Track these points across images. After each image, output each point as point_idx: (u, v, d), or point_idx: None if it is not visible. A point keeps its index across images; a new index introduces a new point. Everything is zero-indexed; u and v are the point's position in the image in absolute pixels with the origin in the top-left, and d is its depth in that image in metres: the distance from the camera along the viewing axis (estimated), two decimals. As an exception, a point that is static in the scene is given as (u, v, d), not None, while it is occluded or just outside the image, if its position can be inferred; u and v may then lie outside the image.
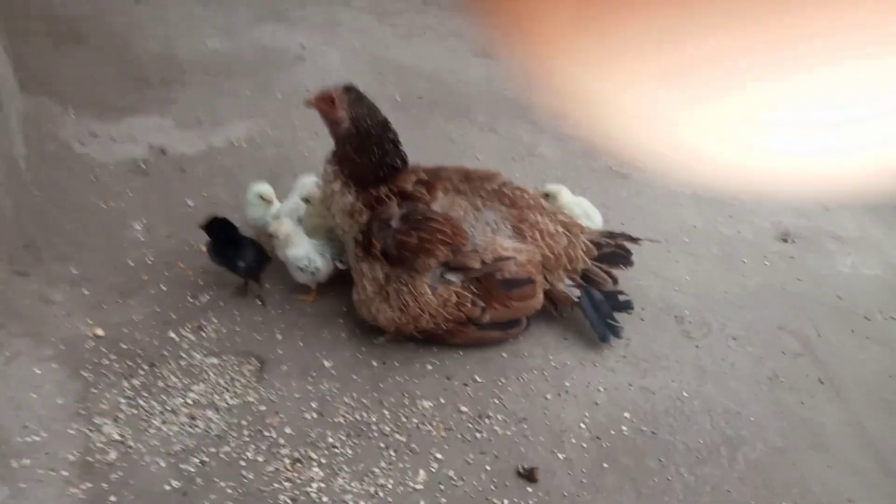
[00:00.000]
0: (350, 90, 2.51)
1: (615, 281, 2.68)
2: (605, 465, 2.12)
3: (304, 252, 2.57)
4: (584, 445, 2.19)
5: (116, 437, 2.08)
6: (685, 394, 2.41)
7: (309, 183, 2.88)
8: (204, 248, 2.77)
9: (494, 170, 2.78)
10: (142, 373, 2.30)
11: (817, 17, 0.53)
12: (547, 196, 2.96)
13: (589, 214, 3.03)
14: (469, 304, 2.45)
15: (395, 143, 2.57)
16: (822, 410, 2.39)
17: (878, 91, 0.58)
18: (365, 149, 2.50)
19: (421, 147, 3.85)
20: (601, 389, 2.40)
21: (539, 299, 2.56)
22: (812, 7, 0.52)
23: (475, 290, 2.46)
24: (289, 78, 4.58)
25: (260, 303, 2.63)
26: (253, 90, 4.35)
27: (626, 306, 2.68)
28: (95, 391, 2.22)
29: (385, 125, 2.53)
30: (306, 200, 2.74)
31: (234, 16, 5.53)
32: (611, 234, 2.85)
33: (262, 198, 2.76)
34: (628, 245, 2.80)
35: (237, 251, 2.54)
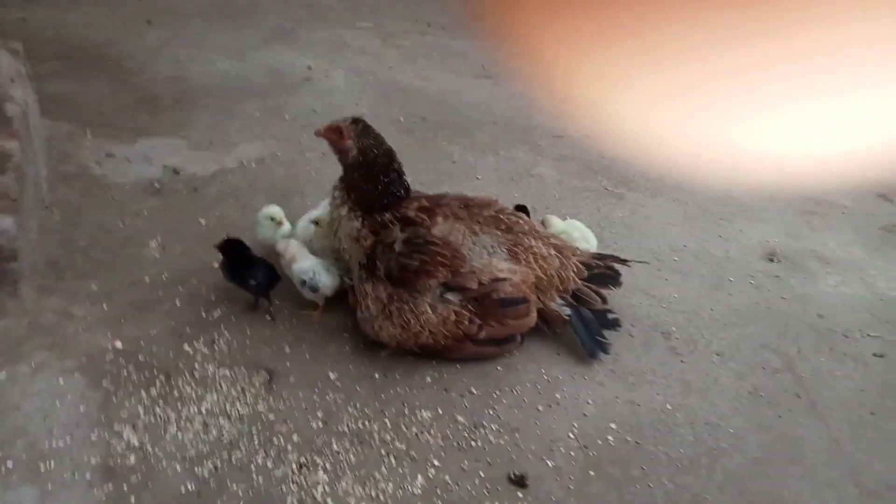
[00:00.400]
0: (357, 122, 2.67)
1: (604, 300, 2.83)
2: (592, 473, 2.26)
3: (308, 265, 2.72)
4: (573, 454, 2.32)
5: (135, 442, 2.23)
6: (669, 406, 2.54)
7: (324, 206, 3.04)
8: (217, 266, 2.94)
9: (492, 197, 2.94)
10: (158, 383, 2.45)
11: (829, 37, 0.50)
12: (543, 223, 3.15)
13: (585, 237, 3.21)
14: (466, 322, 2.60)
15: (400, 172, 2.73)
16: (800, 425, 2.52)
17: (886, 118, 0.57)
18: (371, 177, 2.67)
19: (423, 168, 4.02)
20: (590, 402, 2.54)
21: (533, 318, 2.70)
22: (824, 27, 0.50)
23: (472, 309, 2.61)
24: (296, 100, 4.77)
25: (270, 318, 2.79)
26: (262, 112, 4.53)
27: (614, 324, 2.83)
28: (115, 400, 2.37)
29: (390, 155, 2.70)
30: (316, 223, 2.91)
31: (242, 38, 5.73)
32: (601, 256, 3.01)
33: (272, 219, 2.92)
34: (617, 266, 2.96)
35: (249, 270, 2.70)
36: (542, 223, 3.16)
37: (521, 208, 3.16)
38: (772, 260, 3.53)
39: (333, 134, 2.67)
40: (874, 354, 2.89)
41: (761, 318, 3.07)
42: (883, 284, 3.39)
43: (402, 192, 2.74)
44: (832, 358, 2.86)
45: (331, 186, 2.83)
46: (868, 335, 3.01)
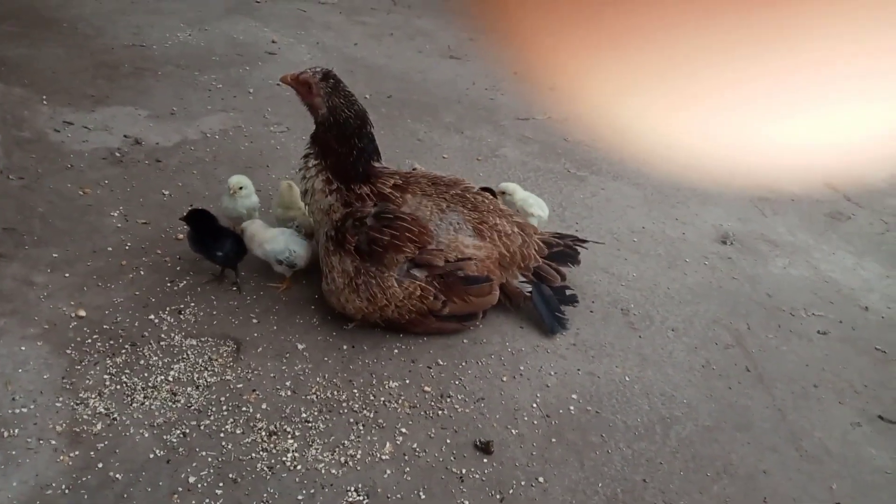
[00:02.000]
0: (328, 77, 2.60)
1: (563, 278, 2.92)
2: (553, 440, 2.35)
3: (283, 245, 2.72)
4: (535, 422, 2.41)
5: (101, 410, 2.21)
6: (627, 378, 2.65)
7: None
8: (182, 237, 2.92)
9: (459, 177, 2.98)
10: (124, 352, 2.43)
11: (817, 50, 0.51)
12: (503, 194, 3.21)
13: (539, 205, 3.30)
14: (431, 298, 2.65)
15: (371, 137, 2.70)
16: (748, 395, 2.67)
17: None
18: (345, 139, 2.63)
19: (390, 145, 4.03)
20: (552, 373, 2.63)
21: (495, 296, 2.77)
22: (811, 39, 0.50)
23: (437, 286, 2.66)
24: (259, 72, 4.70)
25: (236, 289, 2.79)
26: (225, 84, 4.46)
27: (572, 300, 2.93)
28: (80, 368, 2.34)
29: (363, 117, 2.64)
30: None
31: (203, 7, 5.60)
32: (561, 236, 3.09)
33: (241, 188, 2.90)
34: (577, 245, 3.05)
35: (215, 241, 2.69)
36: (502, 192, 3.22)
37: (487, 190, 3.22)
38: (725, 242, 3.68)
39: (301, 87, 2.61)
40: (818, 332, 3.06)
41: (714, 296, 3.21)
42: (826, 267, 3.58)
43: (376, 157, 2.73)
44: (779, 334, 3.02)
45: (295, 160, 2.80)
46: (813, 314, 3.18)
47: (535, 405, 2.48)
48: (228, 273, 2.82)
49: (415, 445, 2.26)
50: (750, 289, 3.31)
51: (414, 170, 3.22)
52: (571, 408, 2.49)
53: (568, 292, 2.95)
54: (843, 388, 2.77)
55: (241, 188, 2.90)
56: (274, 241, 2.73)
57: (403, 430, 2.32)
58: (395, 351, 2.64)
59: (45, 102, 3.80)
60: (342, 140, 2.63)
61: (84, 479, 1.99)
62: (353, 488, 2.09)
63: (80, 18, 4.94)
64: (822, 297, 3.32)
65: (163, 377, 2.36)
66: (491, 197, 3.01)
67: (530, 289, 2.87)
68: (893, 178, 4.69)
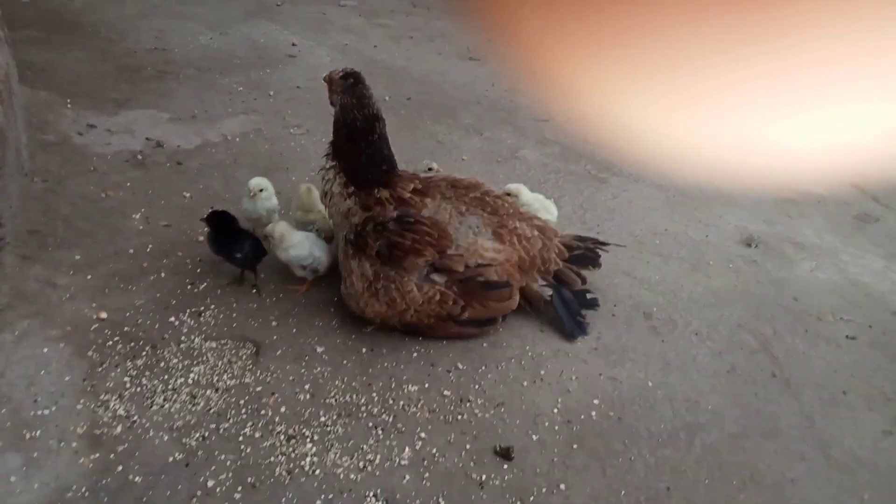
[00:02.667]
0: (349, 76, 2.59)
1: (584, 281, 2.88)
2: (575, 447, 2.31)
3: (307, 251, 2.72)
4: (556, 428, 2.37)
5: (122, 412, 2.22)
6: (650, 384, 2.61)
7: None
8: (202, 239, 2.93)
9: (479, 180, 2.95)
10: (144, 354, 2.44)
11: (824, 49, 0.50)
12: (509, 195, 3.18)
13: (546, 208, 3.25)
14: (450, 303, 2.63)
15: (379, 145, 2.66)
16: (774, 401, 2.60)
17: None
18: (353, 140, 2.63)
19: (409, 147, 4.02)
20: (573, 378, 2.59)
21: (515, 301, 2.74)
22: (818, 37, 0.50)
23: (457, 290, 2.63)
24: (280, 75, 4.73)
25: (255, 291, 2.79)
26: (246, 86, 4.48)
27: (593, 303, 2.89)
28: (101, 370, 2.35)
29: (370, 121, 2.61)
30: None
31: (224, 11, 5.65)
32: (582, 238, 3.05)
33: (261, 190, 2.90)
34: (598, 248, 3.01)
35: (236, 243, 2.69)
36: (507, 193, 3.18)
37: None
38: (749, 245, 3.61)
39: (328, 83, 2.64)
40: (847, 337, 2.99)
41: (739, 299, 3.15)
42: (855, 270, 3.50)
43: (385, 166, 2.71)
44: (806, 339, 2.95)
45: (315, 163, 2.80)
46: (841, 318, 3.10)
47: (556, 410, 2.44)
48: (248, 275, 2.82)
49: (434, 450, 2.24)
50: (775, 292, 3.24)
51: (430, 169, 3.20)
52: (593, 413, 2.45)
53: (589, 296, 2.91)
54: (873, 395, 2.69)
55: (261, 190, 2.90)
56: (299, 247, 2.72)
57: (423, 434, 2.29)
58: (415, 354, 2.62)
59: (68, 106, 3.84)
60: (350, 142, 2.63)
61: (104, 481, 2.00)
62: (371, 493, 2.07)
63: (104, 23, 5.00)
64: (850, 301, 3.24)
65: (182, 380, 2.37)
66: (511, 200, 2.98)
67: (550, 292, 2.83)
68: (924, 180, 4.57)
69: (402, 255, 2.60)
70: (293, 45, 5.22)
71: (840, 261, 3.57)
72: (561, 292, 2.84)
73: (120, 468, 2.05)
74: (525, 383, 2.54)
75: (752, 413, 2.54)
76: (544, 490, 2.15)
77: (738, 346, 2.86)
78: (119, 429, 2.16)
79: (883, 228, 3.93)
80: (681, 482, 2.23)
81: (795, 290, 3.28)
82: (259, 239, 2.78)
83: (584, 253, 2.98)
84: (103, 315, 2.56)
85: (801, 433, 2.48)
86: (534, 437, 2.33)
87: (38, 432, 2.11)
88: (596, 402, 2.50)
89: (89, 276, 2.72)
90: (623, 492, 2.17)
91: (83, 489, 1.97)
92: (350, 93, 2.59)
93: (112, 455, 2.08)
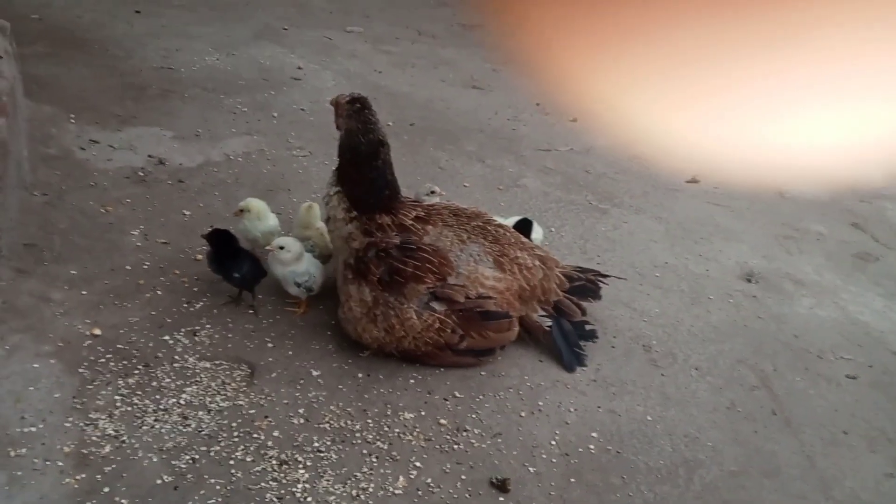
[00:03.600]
0: (355, 101, 2.61)
1: (583, 312, 2.86)
2: (573, 480, 2.26)
3: (304, 268, 2.71)
4: (554, 461, 2.33)
5: (111, 431, 2.17)
6: (649, 418, 2.57)
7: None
8: (201, 257, 2.90)
9: (481, 209, 2.96)
10: (137, 372, 2.39)
11: (834, 52, 0.51)
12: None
13: (534, 228, 3.24)
14: (449, 331, 2.60)
15: (383, 170, 2.65)
16: (774, 440, 2.57)
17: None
18: (357, 164, 2.63)
19: (411, 172, 4.02)
20: (572, 410, 2.55)
21: (514, 332, 2.72)
22: (828, 42, 0.50)
23: (456, 319, 2.61)
24: (284, 97, 4.74)
25: (252, 312, 2.75)
26: (250, 107, 4.49)
27: (592, 335, 2.87)
28: (91, 388, 2.30)
29: (375, 146, 2.60)
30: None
31: (231, 33, 5.69)
32: (582, 270, 3.04)
33: (241, 210, 2.92)
34: (598, 280, 2.99)
35: (235, 262, 2.66)
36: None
37: (525, 222, 3.18)
38: (749, 280, 3.60)
39: (334, 107, 2.66)
40: (847, 376, 2.96)
41: (739, 335, 3.12)
42: (855, 308, 3.49)
43: (388, 192, 2.70)
44: (806, 377, 2.92)
45: (317, 185, 2.80)
46: (841, 357, 3.08)
47: (553, 442, 2.40)
48: (245, 295, 2.79)
49: (429, 480, 2.19)
50: (776, 329, 3.22)
51: (432, 192, 3.19)
52: (591, 447, 2.41)
53: (588, 327, 2.89)
54: (874, 436, 2.66)
55: (241, 210, 2.90)
56: (298, 263, 2.71)
57: (418, 463, 2.24)
58: (412, 381, 2.58)
59: (72, 121, 3.83)
60: (354, 166, 2.63)
61: (89, 503, 1.94)
62: (364, 523, 2.02)
63: (111, 40, 5.02)
64: (850, 340, 3.22)
65: (175, 400, 2.32)
66: (512, 230, 2.97)
67: (550, 323, 2.81)
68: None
69: (404, 282, 2.58)
70: (298, 68, 5.25)
71: (840, 299, 3.56)
72: (560, 323, 2.82)
73: (106, 489, 1.99)
74: (523, 414, 2.50)
75: (752, 451, 2.50)
76: (540, 524, 2.10)
77: (738, 382, 2.83)
78: (107, 448, 2.11)
79: (883, 268, 3.93)
80: (680, 520, 2.18)
81: (796, 326, 3.26)
82: (258, 259, 2.75)
83: (585, 284, 2.96)
84: (97, 332, 2.52)
85: (802, 473, 2.44)
86: (531, 470, 2.28)
87: (24, 450, 2.05)
88: (594, 435, 2.46)
89: (84, 292, 2.69)
90: (621, 528, 2.12)
91: (67, 510, 1.91)
92: (356, 118, 2.60)
93: (99, 476, 2.03)
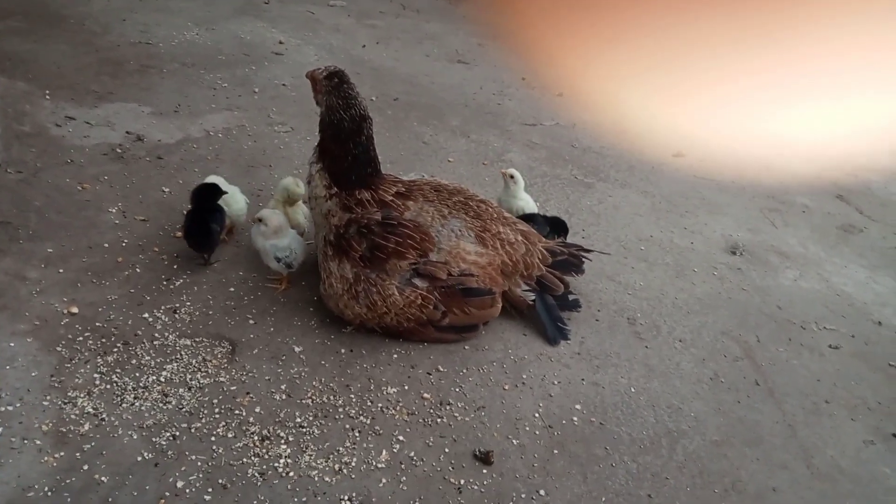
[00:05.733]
0: (333, 76, 2.56)
1: (566, 286, 2.85)
2: (556, 452, 2.27)
3: (286, 243, 2.67)
4: (537, 433, 2.33)
5: (90, 409, 2.14)
6: (633, 389, 2.57)
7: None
8: (181, 234, 2.87)
9: (463, 186, 2.93)
10: (116, 350, 2.37)
11: (816, 44, 0.53)
12: (512, 178, 3.25)
13: (526, 200, 3.30)
14: (431, 308, 2.58)
15: (366, 146, 2.62)
16: (757, 409, 2.58)
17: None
18: (340, 140, 2.59)
19: (395, 147, 3.98)
20: (556, 382, 2.55)
21: (497, 309, 2.70)
22: (816, 35, 0.53)
23: (438, 296, 2.59)
24: (266, 72, 4.67)
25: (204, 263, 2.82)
26: (231, 83, 4.42)
27: (575, 304, 2.86)
28: (70, 366, 2.28)
29: (358, 121, 2.56)
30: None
31: (212, 7, 5.58)
32: (566, 244, 3.02)
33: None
34: (581, 255, 2.98)
35: (213, 215, 2.74)
36: (511, 175, 3.26)
37: (558, 221, 3.21)
38: (734, 253, 3.60)
39: (311, 83, 2.62)
40: (830, 346, 2.97)
41: (723, 307, 3.13)
42: (838, 280, 3.50)
43: (369, 169, 2.66)
44: (790, 348, 2.93)
45: (299, 161, 2.76)
46: (824, 328, 3.09)
47: (537, 415, 2.40)
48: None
49: (412, 454, 2.19)
50: (760, 301, 3.23)
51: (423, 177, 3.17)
52: (575, 418, 2.41)
53: (570, 297, 2.88)
54: (855, 405, 2.68)
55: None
56: (280, 237, 2.67)
57: (401, 437, 2.24)
58: (395, 356, 2.57)
59: (47, 97, 3.76)
60: (336, 142, 2.59)
61: (68, 480, 1.92)
62: (346, 497, 2.01)
63: (88, 15, 4.92)
64: (833, 311, 3.24)
65: (154, 377, 2.30)
66: (495, 205, 2.94)
67: (533, 297, 2.80)
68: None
69: (385, 258, 2.55)
70: (280, 42, 5.16)
71: (824, 270, 3.57)
72: (543, 297, 2.81)
73: (86, 467, 1.98)
74: (506, 387, 2.50)
75: (735, 421, 2.51)
76: (524, 495, 2.10)
77: (721, 354, 2.83)
78: (86, 427, 2.09)
79: (866, 239, 3.94)
80: (662, 489, 2.19)
81: (779, 298, 3.27)
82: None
83: (568, 259, 2.94)
84: (74, 310, 2.48)
85: (784, 442, 2.46)
86: (514, 442, 2.28)
87: (1, 429, 2.03)
88: (578, 407, 2.46)
89: (61, 270, 2.64)
90: (603, 498, 2.13)
91: (46, 488, 1.89)
92: (336, 93, 2.55)
93: (78, 454, 2.01)
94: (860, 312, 3.26)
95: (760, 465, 2.34)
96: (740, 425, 2.50)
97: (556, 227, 3.17)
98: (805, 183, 4.48)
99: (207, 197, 2.75)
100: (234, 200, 2.93)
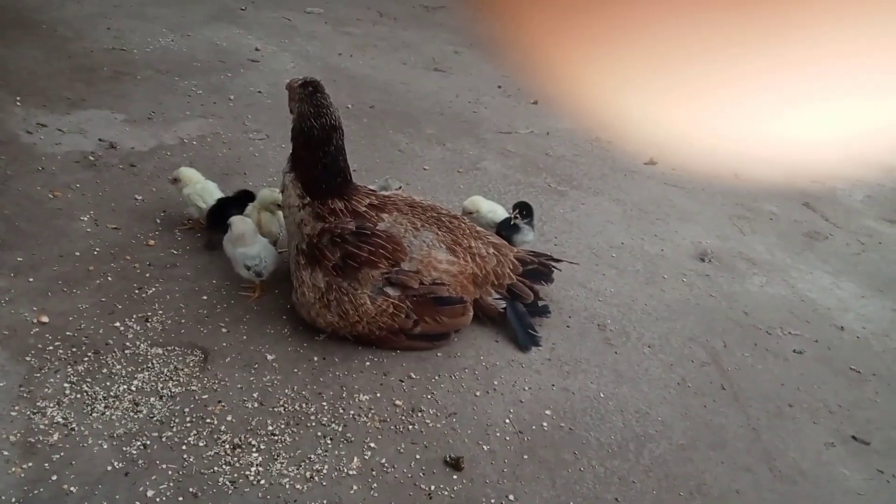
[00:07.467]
0: (307, 85, 2.58)
1: (536, 295, 2.90)
2: (525, 457, 2.30)
3: (256, 251, 2.68)
4: (508, 439, 2.37)
5: (60, 419, 2.14)
6: (602, 395, 2.62)
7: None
8: (153, 243, 2.87)
9: (437, 203, 2.98)
10: (86, 360, 2.36)
11: (813, 48, 0.50)
12: (470, 213, 3.24)
13: (493, 210, 3.34)
14: (403, 316, 2.61)
15: (336, 156, 2.62)
16: (723, 413, 2.64)
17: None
18: (311, 149, 2.60)
19: (369, 155, 4.00)
20: (526, 388, 2.59)
21: (468, 317, 2.74)
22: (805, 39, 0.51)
23: (409, 305, 2.62)
24: (241, 80, 4.67)
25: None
26: (205, 90, 4.41)
27: (544, 311, 2.91)
28: (39, 375, 2.27)
29: (327, 130, 2.57)
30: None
31: (187, 14, 5.57)
32: (536, 254, 3.07)
33: (174, 180, 3.06)
34: (551, 265, 3.03)
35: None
36: (469, 212, 3.26)
37: (524, 205, 3.24)
38: (703, 260, 3.67)
39: (288, 91, 2.64)
40: (794, 351, 3.05)
41: (691, 313, 3.19)
42: (803, 286, 3.59)
43: (339, 179, 2.67)
44: (755, 353, 3.01)
45: (274, 168, 2.79)
46: (789, 333, 3.17)
47: (507, 421, 2.44)
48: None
49: (383, 461, 2.21)
50: (727, 307, 3.30)
51: (397, 189, 3.20)
52: (545, 424, 2.45)
53: (540, 303, 2.93)
54: (817, 408, 2.75)
55: (176, 180, 3.04)
56: (251, 246, 2.69)
57: (372, 444, 2.26)
58: (367, 363, 2.59)
59: (18, 104, 3.73)
60: (307, 150, 2.61)
61: (36, 491, 1.92)
62: (317, 504, 2.03)
63: (61, 21, 4.88)
64: (798, 317, 3.32)
65: (126, 386, 2.30)
66: (467, 221, 2.98)
67: (504, 305, 2.84)
68: (869, 199, 4.73)
69: (357, 267, 2.58)
70: (256, 49, 5.17)
71: (790, 277, 3.66)
72: (514, 305, 2.85)
73: (54, 477, 1.97)
74: (478, 393, 2.53)
75: (701, 425, 2.57)
76: (493, 500, 2.13)
77: (688, 359, 2.90)
78: (56, 436, 2.09)
79: (831, 246, 4.05)
80: (629, 493, 2.23)
81: (746, 304, 3.34)
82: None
83: (538, 268, 3.00)
84: (44, 319, 2.47)
85: (748, 445, 2.52)
86: (485, 448, 2.32)
87: (-32, 440, 2.02)
88: (548, 412, 2.50)
89: (31, 279, 2.63)
90: (571, 502, 2.17)
91: (14, 499, 1.89)
92: (308, 101, 2.57)
93: (47, 464, 2.00)
94: (823, 318, 3.35)
95: (724, 468, 2.40)
96: (706, 429, 2.55)
97: (523, 210, 3.22)
98: (773, 191, 4.59)
99: (242, 196, 2.99)
100: (210, 195, 2.97)
